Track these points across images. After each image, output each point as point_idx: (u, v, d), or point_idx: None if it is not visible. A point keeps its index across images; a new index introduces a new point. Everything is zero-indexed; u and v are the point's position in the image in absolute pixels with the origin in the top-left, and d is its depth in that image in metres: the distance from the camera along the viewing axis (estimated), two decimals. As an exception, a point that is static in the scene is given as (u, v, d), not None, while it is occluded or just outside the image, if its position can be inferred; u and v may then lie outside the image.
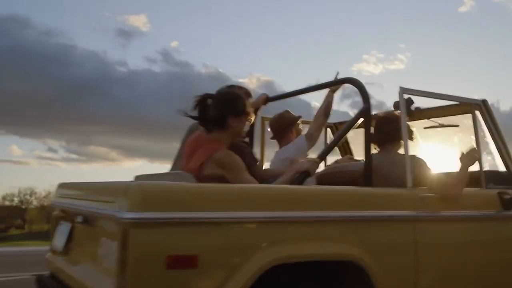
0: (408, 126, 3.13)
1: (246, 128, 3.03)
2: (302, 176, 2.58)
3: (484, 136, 3.22)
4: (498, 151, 3.22)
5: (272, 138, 3.72)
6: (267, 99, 3.67)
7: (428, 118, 3.61)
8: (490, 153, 3.23)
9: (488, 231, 2.99)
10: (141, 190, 2.03)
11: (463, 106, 3.27)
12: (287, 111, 3.75)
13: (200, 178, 2.55)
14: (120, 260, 1.97)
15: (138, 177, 3.01)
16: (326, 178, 3.04)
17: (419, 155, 3.11)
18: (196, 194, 2.12)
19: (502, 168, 3.25)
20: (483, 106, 3.19)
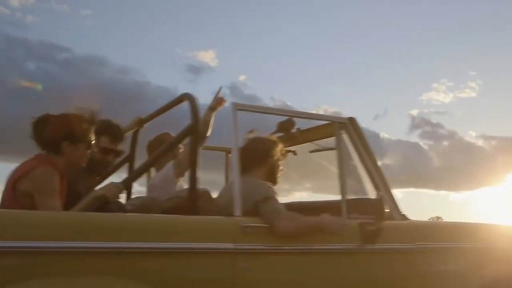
0: (279, 147, 2.84)
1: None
2: (99, 203, 2.31)
3: (352, 160, 2.85)
4: (369, 177, 2.83)
5: None
6: (142, 121, 3.40)
7: (311, 141, 3.26)
8: (357, 178, 2.84)
9: (339, 268, 2.59)
10: None
11: (330, 126, 2.90)
12: (166, 133, 3.50)
13: (16, 194, 2.36)
14: None
15: None
16: (170, 206, 2.73)
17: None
18: None
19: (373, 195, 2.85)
20: (350, 125, 2.83)
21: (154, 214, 2.40)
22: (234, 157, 2.51)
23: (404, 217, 2.87)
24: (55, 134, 2.47)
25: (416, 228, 2.86)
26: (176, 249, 2.25)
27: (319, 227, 2.57)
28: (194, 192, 2.46)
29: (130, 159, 3.41)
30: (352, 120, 2.84)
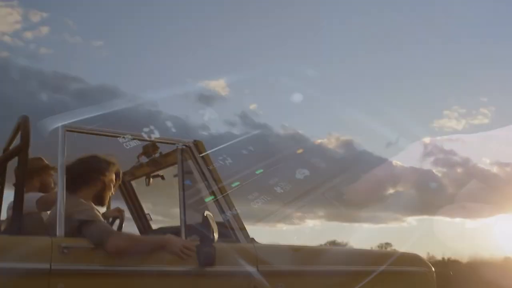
0: (115, 169, 2.83)
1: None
2: None
3: (196, 182, 2.86)
4: (214, 201, 2.84)
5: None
6: None
7: (172, 165, 3.27)
8: (202, 203, 2.85)
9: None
10: None
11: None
12: (37, 158, 3.41)
13: None
14: None
15: None
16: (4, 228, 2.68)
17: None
18: None
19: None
20: (194, 149, 2.86)
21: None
22: (60, 178, 2.49)
23: (251, 240, 2.88)
24: None
25: (261, 251, 2.86)
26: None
27: (159, 246, 2.55)
28: (18, 212, 2.43)
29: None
30: (197, 143, 2.87)
